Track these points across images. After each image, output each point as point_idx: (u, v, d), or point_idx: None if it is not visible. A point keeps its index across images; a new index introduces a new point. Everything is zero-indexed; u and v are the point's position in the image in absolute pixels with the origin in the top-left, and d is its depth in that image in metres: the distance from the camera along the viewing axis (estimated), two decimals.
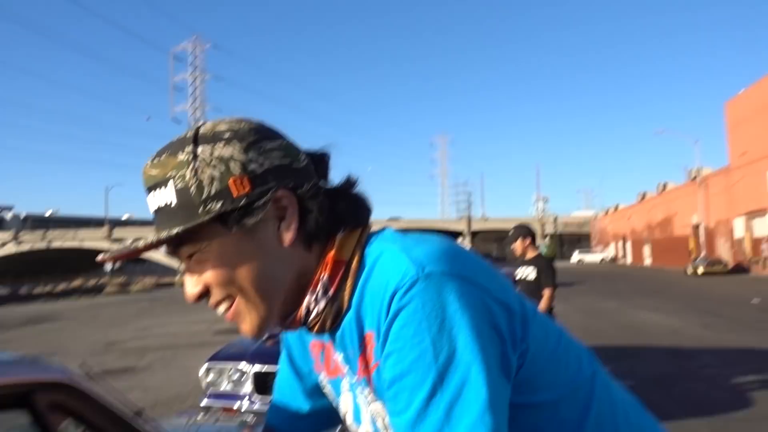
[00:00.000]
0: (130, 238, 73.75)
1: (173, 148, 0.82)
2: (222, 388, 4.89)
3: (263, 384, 4.78)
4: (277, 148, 0.83)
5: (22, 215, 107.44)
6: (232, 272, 0.81)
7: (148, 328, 15.69)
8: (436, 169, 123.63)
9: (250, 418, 3.10)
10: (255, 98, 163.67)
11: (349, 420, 0.94)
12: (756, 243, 36.03)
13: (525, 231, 5.95)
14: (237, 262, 0.81)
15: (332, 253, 0.84)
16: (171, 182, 0.80)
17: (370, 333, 0.80)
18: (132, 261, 73.20)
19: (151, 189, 0.82)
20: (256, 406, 4.64)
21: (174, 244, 0.82)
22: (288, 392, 1.10)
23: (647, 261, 55.69)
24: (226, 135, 0.81)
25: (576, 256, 69.19)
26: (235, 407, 4.67)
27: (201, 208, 0.78)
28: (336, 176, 0.91)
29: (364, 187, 0.92)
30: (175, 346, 11.97)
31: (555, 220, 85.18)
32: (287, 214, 0.82)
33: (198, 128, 0.84)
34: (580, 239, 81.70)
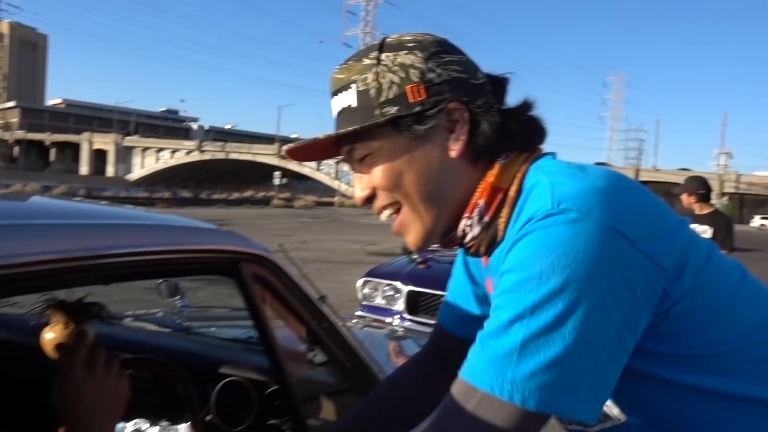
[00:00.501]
0: None
1: (360, 54, 0.87)
2: (376, 302, 5.15)
3: (415, 304, 4.96)
4: (456, 62, 0.85)
5: (206, 127, 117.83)
6: (399, 176, 0.84)
7: (307, 242, 16.81)
8: (606, 112, 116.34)
9: (400, 330, 3.25)
10: (427, 26, 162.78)
11: None
12: None
13: (699, 183, 5.24)
14: (405, 166, 0.83)
15: (491, 179, 0.84)
16: (354, 85, 0.84)
17: None
18: (297, 178, 78.06)
19: (335, 93, 0.87)
20: (406, 324, 4.84)
21: (349, 144, 0.87)
22: (460, 295, 1.11)
23: None
24: (410, 44, 0.85)
25: (757, 221, 62.69)
26: (386, 321, 4.92)
27: (378, 110, 0.82)
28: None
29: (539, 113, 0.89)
30: (331, 261, 12.74)
31: (737, 178, 77.26)
32: (457, 127, 0.83)
33: (385, 38, 0.87)
34: (765, 202, 73.60)
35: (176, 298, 2.96)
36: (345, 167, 76.35)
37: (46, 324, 1.67)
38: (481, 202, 0.84)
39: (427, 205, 0.85)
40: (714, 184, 73.05)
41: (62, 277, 0.84)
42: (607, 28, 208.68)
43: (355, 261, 12.32)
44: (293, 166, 77.77)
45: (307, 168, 77.72)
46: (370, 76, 0.84)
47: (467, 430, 0.72)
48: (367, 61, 0.85)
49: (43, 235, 0.84)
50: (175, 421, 1.40)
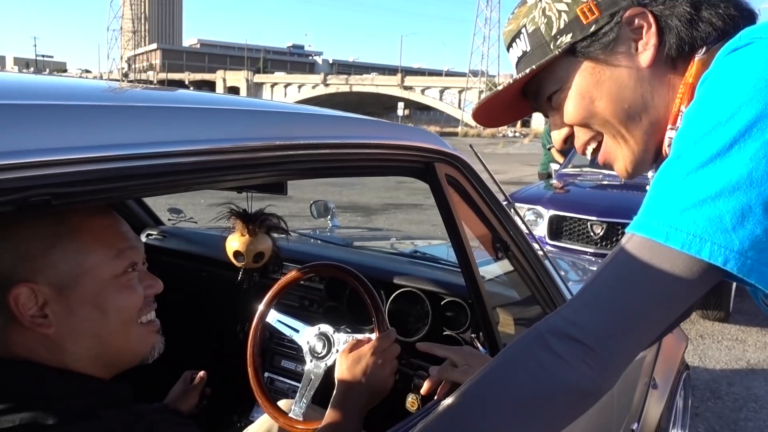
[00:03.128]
0: (419, 86, 77.85)
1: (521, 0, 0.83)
2: None
3: (558, 229, 4.81)
4: None
5: (330, 61, 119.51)
6: (590, 105, 0.78)
7: None
8: None
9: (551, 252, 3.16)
10: None
11: None
12: None
13: None
14: (594, 92, 0.77)
15: (691, 79, 0.73)
16: (523, 30, 0.81)
17: None
18: (420, 109, 77.79)
19: (509, 46, 0.84)
20: (548, 248, 4.72)
21: (533, 91, 0.83)
22: None
23: None
24: None
25: None
26: None
27: (552, 44, 0.78)
28: None
29: None
30: None
31: None
32: (642, 33, 0.75)
33: None
34: None
35: (328, 217, 3.04)
36: (468, 96, 75.23)
37: (230, 233, 1.75)
38: (683, 107, 0.73)
39: (628, 127, 0.78)
40: None
41: (267, 167, 0.82)
42: None
43: None
44: (416, 96, 77.46)
45: (430, 98, 77.09)
46: (536, 14, 0.80)
47: (642, 286, 0.63)
48: (530, 2, 0.81)
49: (248, 121, 0.82)
50: (358, 328, 1.42)
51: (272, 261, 1.73)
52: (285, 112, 0.93)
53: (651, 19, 0.75)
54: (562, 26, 0.78)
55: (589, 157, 0.85)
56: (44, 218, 0.72)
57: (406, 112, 61.60)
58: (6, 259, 0.71)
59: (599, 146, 0.82)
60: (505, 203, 1.35)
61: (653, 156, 0.80)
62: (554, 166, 6.28)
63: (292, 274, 1.42)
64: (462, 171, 1.21)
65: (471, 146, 1.59)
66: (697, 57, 0.74)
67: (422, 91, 77.29)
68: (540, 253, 1.48)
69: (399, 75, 79.08)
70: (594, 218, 4.60)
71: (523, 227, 1.40)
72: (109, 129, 0.61)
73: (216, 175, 0.74)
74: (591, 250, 4.55)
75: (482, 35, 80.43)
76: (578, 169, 6.05)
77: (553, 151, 6.81)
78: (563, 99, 0.80)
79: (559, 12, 0.78)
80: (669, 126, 0.76)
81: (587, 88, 0.78)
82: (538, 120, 65.85)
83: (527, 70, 0.79)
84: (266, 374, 1.80)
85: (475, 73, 77.90)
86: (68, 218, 0.75)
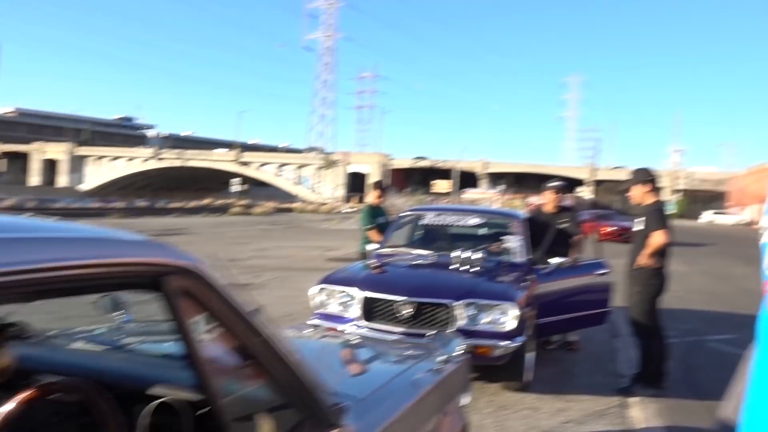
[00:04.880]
0: (256, 161, 77.60)
1: None
2: (330, 310, 5.09)
3: (370, 310, 4.91)
4: None
5: (163, 134, 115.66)
6: None
7: (266, 250, 16.59)
8: (564, 112, 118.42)
9: (355, 338, 3.21)
10: (390, 30, 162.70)
11: None
12: None
13: (644, 175, 5.30)
14: None
15: None
16: None
17: None
18: (257, 185, 77.31)
19: None
20: (361, 331, 4.80)
21: None
22: None
23: None
24: None
25: (706, 216, 64.63)
26: (339, 329, 4.87)
27: None
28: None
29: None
30: (290, 269, 12.61)
31: (689, 174, 79.54)
32: None
33: None
34: (715, 198, 75.87)
35: (118, 312, 2.85)
36: (305, 172, 76.19)
37: None
38: None
39: None
40: (668, 181, 74.98)
41: None
42: (564, 31, 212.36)
43: (314, 267, 12.20)
44: (253, 171, 76.99)
45: (267, 173, 77.04)
46: None
47: None
48: None
49: None
50: None
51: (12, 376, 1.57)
52: None
53: None
54: None
55: None
56: None
57: (244, 187, 60.85)
58: None
59: None
60: (251, 310, 1.36)
61: None
62: (370, 247, 6.48)
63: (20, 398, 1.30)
64: (198, 282, 1.21)
65: (213, 255, 1.58)
66: None
67: (259, 167, 77.15)
68: (294, 356, 1.49)
69: (235, 150, 78.45)
70: (403, 299, 4.77)
71: (273, 333, 1.41)
72: None
73: None
74: (401, 330, 4.70)
75: (320, 114, 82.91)
76: (393, 249, 6.30)
77: (371, 232, 7.07)
78: None
79: None
80: None
81: None
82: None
83: None
84: None
85: (312, 150, 79.59)
86: None
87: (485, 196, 62.94)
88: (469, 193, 64.57)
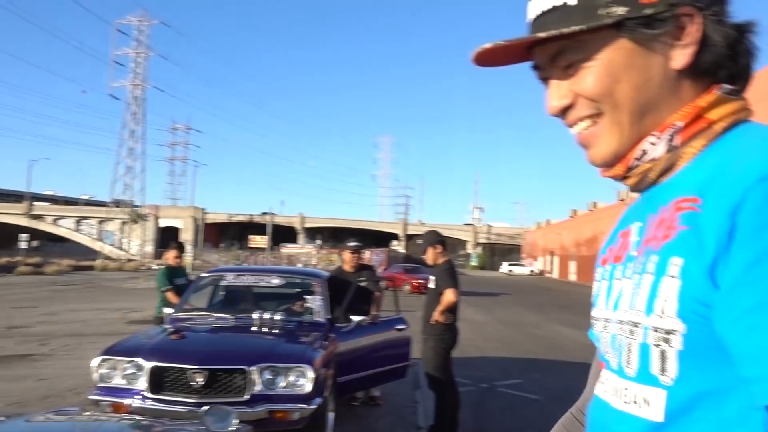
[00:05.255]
0: (51, 215, 70.53)
1: None
2: (114, 383, 4.64)
3: (159, 381, 4.55)
4: None
5: None
6: (613, 84, 0.75)
7: (57, 314, 14.95)
8: (378, 170, 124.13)
9: (144, 420, 2.92)
10: (200, 80, 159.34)
11: (598, 302, 0.85)
12: None
13: (435, 237, 5.64)
14: (622, 74, 0.75)
15: (704, 104, 0.75)
16: None
17: (690, 198, 0.68)
18: (52, 240, 70.06)
19: None
20: (148, 404, 4.41)
21: (555, 47, 0.78)
22: None
23: (572, 276, 57.51)
24: None
25: (505, 267, 70.80)
26: (125, 403, 4.44)
27: (603, 10, 0.74)
28: None
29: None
30: (83, 334, 11.45)
31: (488, 230, 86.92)
32: (687, 35, 0.74)
33: None
34: (511, 250, 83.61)
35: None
36: (109, 227, 70.77)
37: None
38: (680, 123, 0.75)
39: (633, 119, 0.76)
40: (470, 236, 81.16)
41: None
42: (377, 93, 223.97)
43: (112, 332, 11.17)
44: (48, 226, 69.75)
45: (64, 228, 70.28)
46: None
47: None
48: None
49: None
50: None
51: None
52: None
53: (700, 25, 0.74)
54: None
55: (576, 131, 0.81)
56: None
57: (35, 243, 54.81)
58: None
59: (593, 124, 0.78)
60: None
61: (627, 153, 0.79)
62: (167, 310, 6.08)
63: None
64: None
65: None
66: (719, 91, 0.76)
67: (55, 221, 70.17)
68: None
69: (26, 202, 70.73)
70: (195, 367, 4.50)
71: None
72: None
73: None
74: (194, 400, 4.41)
75: (125, 165, 77.92)
76: (191, 313, 5.96)
77: (168, 294, 6.65)
78: (586, 69, 0.76)
79: None
80: (654, 133, 0.76)
81: (616, 67, 0.75)
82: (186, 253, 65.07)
83: (575, 28, 0.74)
84: None
85: (117, 203, 74.31)
86: None
87: (303, 250, 63.17)
88: (287, 248, 64.35)
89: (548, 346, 11.97)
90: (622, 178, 0.80)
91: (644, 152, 0.77)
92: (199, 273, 6.55)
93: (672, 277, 0.67)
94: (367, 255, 37.89)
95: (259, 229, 73.00)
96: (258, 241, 70.50)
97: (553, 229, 69.68)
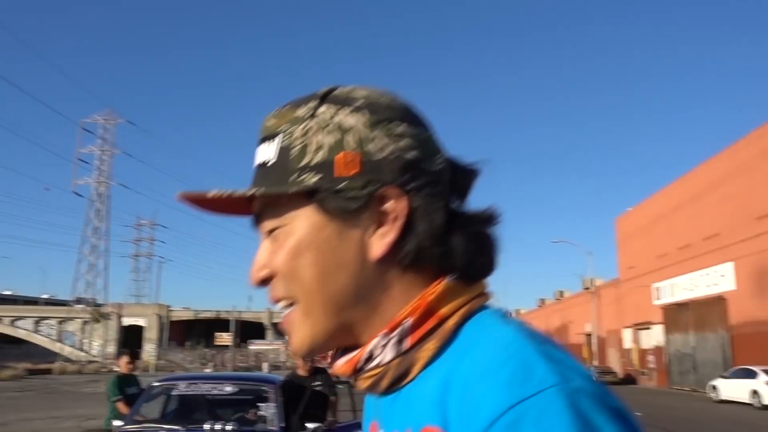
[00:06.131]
0: (8, 316, 68.09)
1: (299, 101, 0.70)
2: None
3: None
4: (410, 136, 0.67)
5: None
6: (301, 264, 0.65)
7: (7, 424, 14.23)
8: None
9: None
10: (165, 177, 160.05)
11: None
12: (642, 354, 37.81)
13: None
14: (308, 253, 0.65)
15: (431, 297, 0.65)
16: (279, 137, 0.68)
17: (432, 428, 0.59)
18: (8, 342, 67.23)
19: (262, 141, 0.70)
20: None
21: (257, 213, 0.70)
22: None
23: None
24: (359, 102, 0.68)
25: None
26: None
27: (295, 176, 0.65)
28: None
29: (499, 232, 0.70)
30: None
31: None
32: (388, 220, 0.65)
33: (336, 87, 0.71)
34: None
35: None
36: (70, 327, 68.35)
37: None
38: (409, 321, 0.64)
39: (326, 311, 0.66)
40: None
41: None
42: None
43: None
44: (4, 328, 67.17)
45: (22, 330, 67.74)
46: (297, 131, 0.67)
47: None
48: (300, 112, 0.68)
49: None
50: None
51: None
52: None
53: (404, 211, 0.65)
54: (313, 162, 0.65)
55: (280, 308, 0.69)
56: None
57: None
58: None
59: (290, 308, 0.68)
60: None
61: (337, 348, 0.70)
62: (116, 423, 5.89)
63: None
64: None
65: None
66: (447, 281, 0.66)
67: (12, 322, 67.70)
68: None
69: None
70: None
71: None
72: None
73: None
74: None
75: (88, 263, 76.49)
76: (140, 426, 5.78)
77: (119, 404, 6.47)
78: (279, 240, 0.67)
79: (319, 145, 0.66)
80: (382, 332, 0.65)
81: (306, 244, 0.65)
82: (150, 353, 62.97)
83: (258, 191, 0.66)
84: None
85: (79, 301, 72.33)
86: None
87: (271, 347, 61.68)
88: (255, 345, 62.79)
89: None
90: (353, 378, 0.69)
91: (372, 355, 0.66)
92: (151, 382, 6.40)
93: None
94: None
95: (226, 325, 71.35)
96: (224, 338, 68.74)
97: (523, 319, 69.45)
